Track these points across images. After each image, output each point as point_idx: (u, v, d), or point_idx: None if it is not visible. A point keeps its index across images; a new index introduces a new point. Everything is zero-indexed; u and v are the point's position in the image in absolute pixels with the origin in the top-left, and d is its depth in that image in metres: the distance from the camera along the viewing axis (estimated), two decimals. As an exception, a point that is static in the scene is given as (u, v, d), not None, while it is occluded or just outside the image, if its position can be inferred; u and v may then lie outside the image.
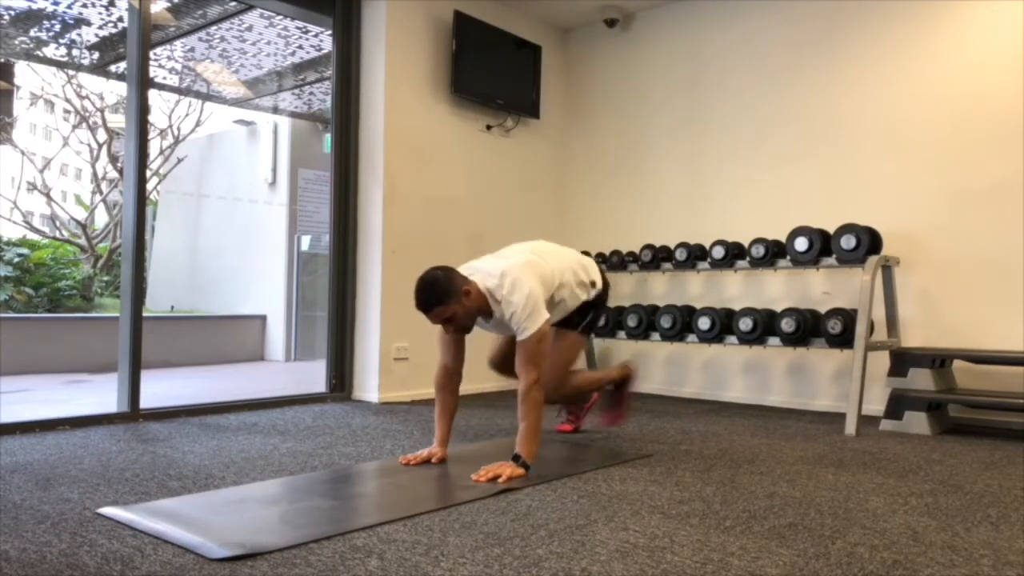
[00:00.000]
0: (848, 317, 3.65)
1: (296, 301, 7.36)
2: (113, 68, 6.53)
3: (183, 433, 3.17)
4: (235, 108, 7.97)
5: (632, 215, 5.01)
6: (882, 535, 1.85)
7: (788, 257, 3.93)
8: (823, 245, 3.81)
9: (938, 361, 3.52)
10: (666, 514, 2.00)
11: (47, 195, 9.57)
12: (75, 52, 6.03)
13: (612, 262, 4.69)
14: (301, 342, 7.34)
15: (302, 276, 7.40)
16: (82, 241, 9.15)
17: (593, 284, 2.91)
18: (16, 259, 7.56)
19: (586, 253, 4.85)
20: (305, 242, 7.43)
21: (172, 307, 8.67)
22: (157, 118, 9.44)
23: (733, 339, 4.04)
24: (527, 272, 2.54)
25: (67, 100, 9.43)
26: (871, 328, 3.62)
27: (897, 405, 3.49)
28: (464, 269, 2.59)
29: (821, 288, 4.21)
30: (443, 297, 2.43)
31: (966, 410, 3.71)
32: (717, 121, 4.66)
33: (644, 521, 1.94)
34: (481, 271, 2.56)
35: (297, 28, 5.43)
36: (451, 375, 2.68)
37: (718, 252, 4.19)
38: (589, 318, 2.95)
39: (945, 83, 3.86)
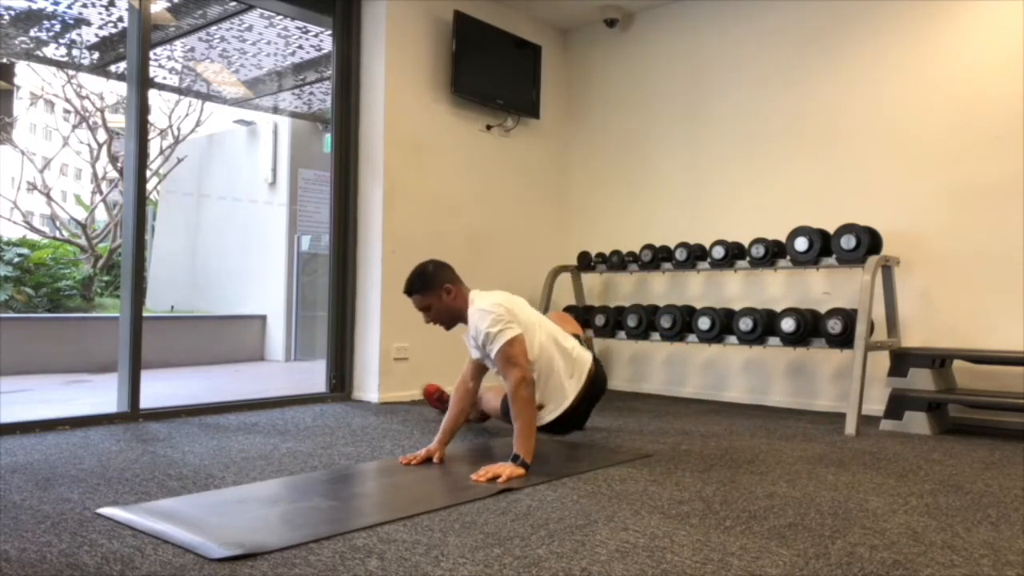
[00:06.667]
0: (848, 317, 3.65)
1: (296, 301, 7.36)
2: (113, 68, 6.54)
3: (183, 433, 3.17)
4: (235, 108, 7.97)
5: (632, 215, 5.01)
6: (882, 535, 1.85)
7: (788, 257, 3.93)
8: (823, 245, 3.81)
9: (938, 361, 3.52)
10: (666, 514, 2.00)
11: (47, 195, 9.57)
12: (75, 52, 6.04)
13: (612, 262, 4.69)
14: (301, 342, 7.34)
15: (302, 276, 7.40)
16: (82, 241, 9.14)
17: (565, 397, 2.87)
18: (16, 259, 7.56)
19: (585, 254, 4.89)
20: (305, 242, 7.43)
21: (172, 307, 8.67)
22: (157, 118, 9.43)
23: (733, 339, 4.04)
24: (500, 298, 2.68)
25: (67, 100, 9.43)
26: (871, 328, 3.62)
27: (897, 405, 3.49)
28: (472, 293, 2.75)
29: (821, 288, 4.21)
30: (423, 287, 2.65)
31: (966, 410, 3.70)
32: (717, 121, 4.66)
33: (644, 521, 1.94)
34: (475, 289, 2.76)
35: (297, 28, 5.44)
36: (466, 382, 2.77)
37: (718, 252, 4.19)
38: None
39: (945, 83, 3.86)
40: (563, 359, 2.85)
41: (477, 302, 2.64)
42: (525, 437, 2.44)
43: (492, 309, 2.57)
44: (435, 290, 2.64)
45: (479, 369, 2.76)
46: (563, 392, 2.86)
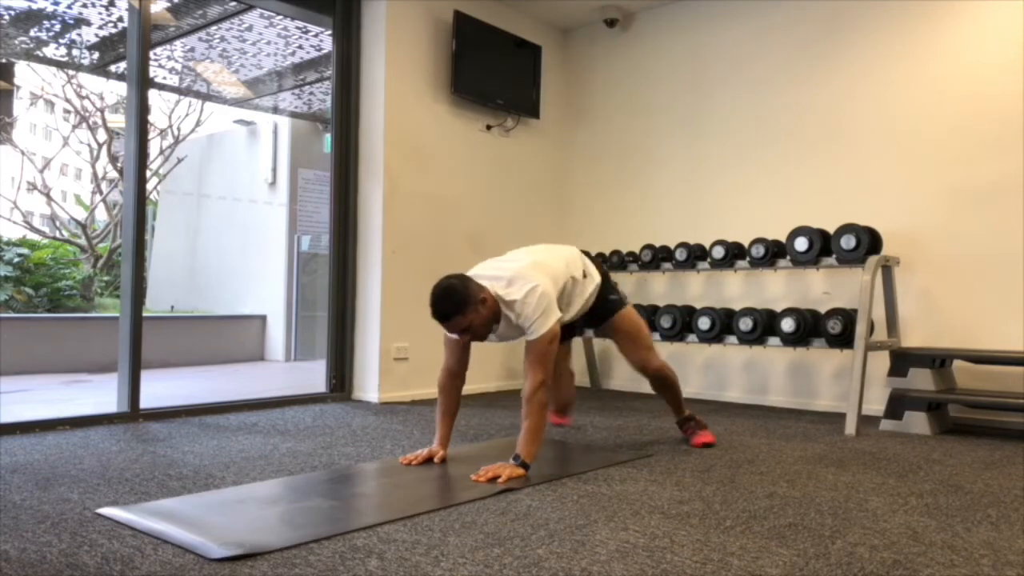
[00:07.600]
0: (848, 317, 3.65)
1: (296, 301, 7.36)
2: (113, 68, 6.53)
3: (183, 433, 3.17)
4: (235, 108, 7.97)
5: (632, 215, 5.01)
6: (882, 535, 1.85)
7: (788, 257, 3.93)
8: (823, 245, 3.81)
9: (938, 361, 3.52)
10: (666, 514, 2.00)
11: (47, 195, 9.57)
12: (75, 52, 6.03)
13: (612, 262, 4.69)
14: (301, 342, 7.34)
15: (302, 276, 7.40)
16: (82, 241, 9.15)
17: (585, 275, 2.88)
18: (16, 259, 7.56)
19: (585, 253, 4.88)
20: (305, 242, 7.43)
21: (172, 307, 8.67)
22: (157, 118, 9.44)
23: (733, 339, 4.04)
24: (538, 272, 2.53)
25: (67, 100, 9.43)
26: (871, 328, 3.61)
27: (897, 405, 3.49)
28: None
29: (821, 288, 4.21)
30: (461, 306, 2.39)
31: (966, 410, 3.70)
32: (717, 121, 4.66)
33: (644, 521, 1.94)
34: (487, 277, 2.53)
35: (297, 28, 5.43)
36: (454, 377, 2.67)
37: (718, 252, 4.19)
38: (616, 295, 3.01)
39: (945, 83, 3.86)
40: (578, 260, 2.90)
41: (507, 293, 2.46)
42: (530, 439, 2.43)
43: (538, 296, 2.43)
44: (473, 306, 2.39)
45: (465, 355, 2.65)
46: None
